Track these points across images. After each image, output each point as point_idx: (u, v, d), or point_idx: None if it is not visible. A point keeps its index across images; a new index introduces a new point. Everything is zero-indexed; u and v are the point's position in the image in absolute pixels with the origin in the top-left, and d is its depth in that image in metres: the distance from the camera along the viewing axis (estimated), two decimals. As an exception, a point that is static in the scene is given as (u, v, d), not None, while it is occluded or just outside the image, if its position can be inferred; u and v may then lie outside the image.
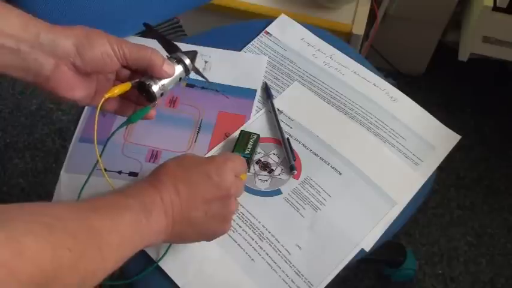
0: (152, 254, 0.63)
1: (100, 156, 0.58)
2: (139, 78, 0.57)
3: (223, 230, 0.57)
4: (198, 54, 0.62)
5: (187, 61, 0.59)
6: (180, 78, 0.59)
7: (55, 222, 0.39)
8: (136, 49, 0.54)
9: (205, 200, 0.54)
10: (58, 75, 0.52)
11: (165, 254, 0.62)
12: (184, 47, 0.61)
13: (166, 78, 0.57)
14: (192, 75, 0.78)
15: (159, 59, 0.55)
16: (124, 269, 0.63)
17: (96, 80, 0.57)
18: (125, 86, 0.56)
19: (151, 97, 0.57)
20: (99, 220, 0.44)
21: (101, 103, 0.55)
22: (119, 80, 0.59)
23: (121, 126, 0.59)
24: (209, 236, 0.57)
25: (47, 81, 0.53)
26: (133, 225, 0.47)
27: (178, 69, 0.58)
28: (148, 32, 0.64)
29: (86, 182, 0.63)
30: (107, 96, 0.55)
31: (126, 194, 0.50)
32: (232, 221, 0.58)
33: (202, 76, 0.64)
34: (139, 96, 0.58)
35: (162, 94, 0.57)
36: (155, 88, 0.56)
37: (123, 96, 0.59)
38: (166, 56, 0.59)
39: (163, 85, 0.57)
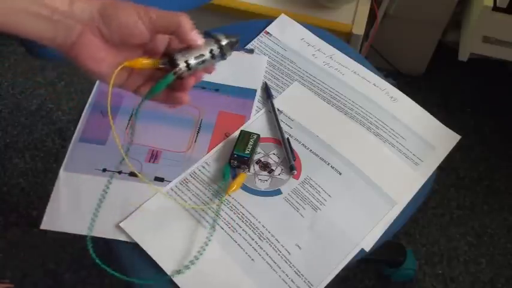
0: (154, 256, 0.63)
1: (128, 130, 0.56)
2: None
3: None
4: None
5: (224, 41, 0.56)
6: (214, 56, 0.56)
7: None
8: (166, 14, 0.53)
9: None
10: (83, 41, 0.52)
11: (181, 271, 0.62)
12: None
13: (194, 47, 0.54)
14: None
15: (188, 24, 0.53)
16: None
17: (128, 57, 0.55)
18: (152, 61, 0.54)
19: (173, 64, 0.54)
20: None
21: (118, 69, 0.53)
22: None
23: (145, 98, 0.56)
24: None
25: (72, 48, 0.52)
26: None
27: (210, 42, 0.55)
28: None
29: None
30: (126, 64, 0.53)
31: None
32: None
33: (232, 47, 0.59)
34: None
35: (188, 66, 0.54)
36: (179, 56, 0.54)
37: (153, 79, 0.57)
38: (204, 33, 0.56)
39: (189, 57, 0.54)
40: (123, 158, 0.64)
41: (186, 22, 0.53)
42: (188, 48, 0.55)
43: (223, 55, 0.57)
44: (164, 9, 0.82)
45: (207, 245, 0.63)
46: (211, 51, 0.56)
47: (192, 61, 0.55)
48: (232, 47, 0.57)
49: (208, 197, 0.67)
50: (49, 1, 0.50)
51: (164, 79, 0.55)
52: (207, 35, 0.57)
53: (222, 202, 0.66)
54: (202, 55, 0.55)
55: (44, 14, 0.50)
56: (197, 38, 0.54)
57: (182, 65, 0.54)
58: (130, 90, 0.58)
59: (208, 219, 0.65)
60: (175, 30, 0.53)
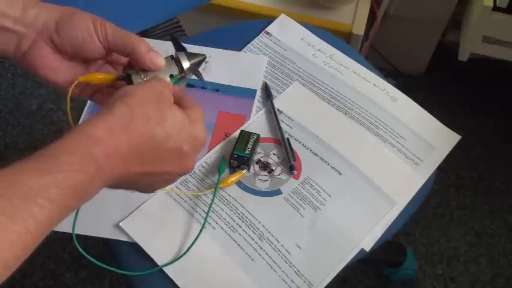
0: (151, 253, 0.63)
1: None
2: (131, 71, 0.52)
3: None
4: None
5: (186, 63, 0.53)
6: (174, 78, 0.53)
7: None
8: (121, 33, 0.50)
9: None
10: (35, 51, 0.50)
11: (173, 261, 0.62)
12: (187, 48, 0.57)
13: (153, 70, 0.51)
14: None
15: (143, 46, 0.50)
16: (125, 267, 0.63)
17: (86, 67, 0.53)
18: (110, 76, 0.52)
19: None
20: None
21: (72, 86, 0.50)
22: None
23: None
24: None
25: (24, 57, 0.50)
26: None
27: (171, 66, 0.53)
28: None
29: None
30: (80, 79, 0.51)
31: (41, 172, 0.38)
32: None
33: (201, 80, 0.57)
34: None
35: None
36: (137, 80, 0.50)
37: (109, 86, 0.54)
38: (171, 56, 0.54)
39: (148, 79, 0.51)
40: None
41: (141, 45, 0.50)
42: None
43: (181, 73, 0.53)
44: (165, 9, 0.82)
45: (197, 237, 0.63)
46: (171, 76, 0.53)
47: None
48: (195, 68, 0.55)
49: (207, 196, 0.67)
50: None
51: None
52: (175, 41, 0.54)
53: (216, 190, 0.66)
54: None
55: None
56: (155, 61, 0.51)
57: None
58: (86, 97, 0.55)
59: (209, 220, 0.65)
60: (130, 53, 0.51)
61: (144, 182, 0.47)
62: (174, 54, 0.54)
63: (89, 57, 0.52)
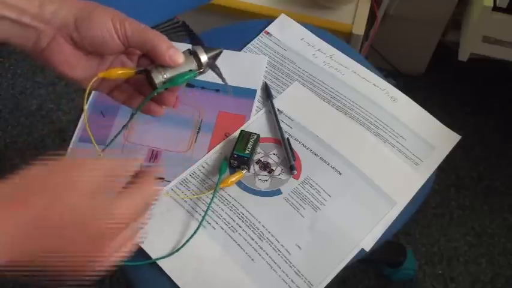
0: (151, 253, 0.63)
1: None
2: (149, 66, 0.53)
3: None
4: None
5: (204, 57, 0.54)
6: (192, 73, 0.54)
7: None
8: (140, 30, 0.50)
9: None
10: (54, 47, 0.50)
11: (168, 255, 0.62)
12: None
13: (173, 66, 0.52)
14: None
15: (163, 43, 0.50)
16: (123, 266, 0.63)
17: (105, 62, 0.53)
18: (128, 71, 0.52)
19: (153, 86, 0.52)
20: None
21: (91, 82, 0.51)
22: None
23: (129, 120, 0.56)
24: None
25: (43, 53, 0.50)
26: None
27: (190, 61, 0.53)
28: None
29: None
30: (100, 75, 0.51)
31: None
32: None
33: (222, 78, 0.58)
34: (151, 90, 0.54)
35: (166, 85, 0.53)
36: (157, 76, 0.51)
37: (135, 87, 0.56)
38: (188, 50, 0.54)
39: (167, 75, 0.52)
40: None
41: (161, 42, 0.50)
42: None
43: (199, 68, 0.55)
44: (165, 9, 0.82)
45: (195, 233, 0.63)
46: (189, 71, 0.53)
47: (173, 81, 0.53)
48: (213, 62, 0.55)
49: (207, 197, 0.67)
50: (15, 2, 0.48)
51: (145, 100, 0.54)
52: (192, 36, 0.55)
53: (216, 191, 0.66)
54: (181, 75, 0.53)
55: (10, 16, 0.48)
56: (175, 59, 0.51)
57: (160, 86, 0.52)
58: (104, 92, 0.56)
59: (209, 220, 0.65)
60: (149, 51, 0.51)
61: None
62: (191, 49, 0.54)
63: (107, 53, 0.52)
